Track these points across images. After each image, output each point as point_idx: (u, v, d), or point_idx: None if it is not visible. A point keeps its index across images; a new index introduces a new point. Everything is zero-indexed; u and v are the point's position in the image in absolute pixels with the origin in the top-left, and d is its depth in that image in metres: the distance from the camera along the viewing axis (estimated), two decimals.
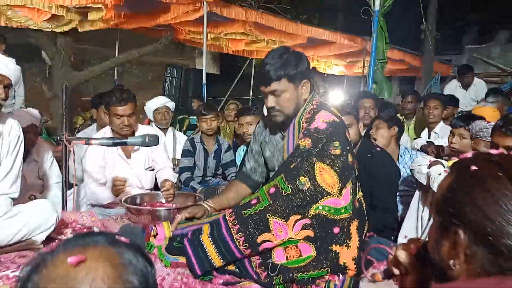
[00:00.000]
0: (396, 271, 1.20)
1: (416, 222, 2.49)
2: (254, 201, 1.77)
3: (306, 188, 1.72)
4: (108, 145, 2.01)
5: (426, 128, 3.98)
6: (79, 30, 6.44)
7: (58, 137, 2.14)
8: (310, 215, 1.71)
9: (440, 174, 2.27)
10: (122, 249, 0.71)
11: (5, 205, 1.93)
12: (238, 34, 7.88)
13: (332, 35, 8.20)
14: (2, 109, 1.88)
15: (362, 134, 2.57)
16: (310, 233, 1.70)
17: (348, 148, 1.83)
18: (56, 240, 2.07)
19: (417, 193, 2.55)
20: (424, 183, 2.41)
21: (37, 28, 6.07)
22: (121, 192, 2.50)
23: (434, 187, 2.26)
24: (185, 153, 3.49)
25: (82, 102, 9.60)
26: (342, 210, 1.75)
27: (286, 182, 1.75)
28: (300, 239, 1.69)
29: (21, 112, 2.65)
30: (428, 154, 3.12)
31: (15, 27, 6.13)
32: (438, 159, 2.48)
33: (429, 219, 2.39)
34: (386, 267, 1.85)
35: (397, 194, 2.72)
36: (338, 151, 1.78)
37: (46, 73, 8.92)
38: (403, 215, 2.62)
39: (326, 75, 12.05)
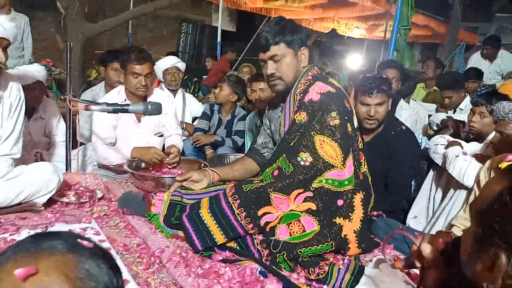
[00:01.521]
0: (418, 264, 1.10)
1: (427, 203, 2.40)
2: (256, 181, 1.75)
3: (308, 163, 1.68)
4: (108, 112, 1.93)
5: None
6: None
7: (62, 97, 2.06)
8: (312, 188, 1.69)
9: (457, 156, 2.16)
10: (83, 258, 0.61)
11: (6, 166, 1.90)
12: None
13: None
14: (11, 62, 1.80)
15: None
16: (312, 205, 1.67)
17: (346, 117, 1.77)
18: (58, 203, 2.05)
19: (430, 173, 2.45)
20: (440, 164, 2.31)
21: None
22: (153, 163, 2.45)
23: (450, 169, 2.16)
24: (203, 115, 3.58)
25: (96, 54, 9.49)
26: (346, 182, 1.72)
27: (287, 161, 1.73)
28: (302, 212, 1.66)
29: (27, 68, 2.56)
30: (447, 129, 2.99)
31: None
32: (456, 140, 2.36)
33: (441, 201, 2.31)
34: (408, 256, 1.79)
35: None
36: (336, 121, 1.72)
37: (60, 23, 8.78)
38: (414, 195, 2.53)
39: (345, 37, 11.67)
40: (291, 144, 1.77)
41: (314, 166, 1.68)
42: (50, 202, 2.00)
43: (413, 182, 2.73)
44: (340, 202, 1.70)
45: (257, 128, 3.00)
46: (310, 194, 1.67)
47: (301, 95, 1.82)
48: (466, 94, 3.71)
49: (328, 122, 1.71)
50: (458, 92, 3.57)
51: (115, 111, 1.94)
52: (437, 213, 2.26)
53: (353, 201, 1.73)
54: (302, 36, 1.86)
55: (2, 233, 1.67)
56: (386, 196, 2.29)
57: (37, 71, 2.58)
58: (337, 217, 1.68)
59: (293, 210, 1.65)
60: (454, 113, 3.54)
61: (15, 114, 1.96)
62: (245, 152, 2.70)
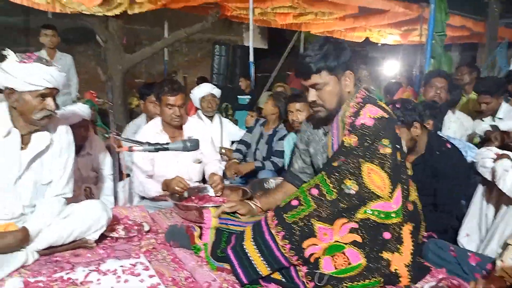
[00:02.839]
0: None
1: (479, 220, 2.29)
2: (295, 202, 1.68)
3: (354, 192, 1.62)
4: (150, 151, 2.01)
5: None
6: (128, 13, 6.52)
7: (107, 135, 2.15)
8: (357, 219, 1.62)
9: (507, 170, 2.06)
10: None
11: (59, 206, 2.00)
12: (286, 7, 7.63)
13: (386, 3, 7.71)
14: (60, 100, 1.92)
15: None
16: (357, 237, 1.61)
17: (398, 146, 1.70)
18: (108, 238, 2.13)
19: (480, 188, 2.34)
20: (489, 179, 2.21)
21: (89, 13, 6.21)
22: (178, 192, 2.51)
23: (500, 184, 2.06)
24: (249, 129, 3.78)
25: (136, 83, 9.88)
26: (393, 215, 1.63)
27: (331, 186, 1.65)
28: (346, 243, 1.61)
29: (72, 107, 2.71)
30: (492, 141, 2.86)
31: (69, 13, 6.30)
32: (505, 152, 2.25)
33: (494, 218, 2.20)
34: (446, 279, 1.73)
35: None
36: (388, 150, 1.64)
37: (101, 55, 9.21)
38: (465, 211, 2.42)
39: (380, 45, 11.50)
40: (334, 164, 1.70)
41: (359, 195, 1.62)
42: (101, 238, 2.08)
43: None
44: (387, 235, 1.62)
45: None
46: (355, 225, 1.61)
47: (352, 118, 1.75)
48: (502, 101, 3.54)
49: (379, 150, 1.64)
50: (497, 98, 3.43)
51: (156, 150, 2.01)
52: (490, 231, 2.15)
53: (401, 233, 1.66)
54: (346, 60, 1.77)
55: (59, 272, 1.76)
56: (435, 216, 2.22)
57: (81, 110, 2.72)
58: (384, 252, 1.61)
59: (337, 241, 1.61)
60: (493, 121, 3.40)
61: (65, 155, 2.06)
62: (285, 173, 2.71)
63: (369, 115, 1.71)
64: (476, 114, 3.71)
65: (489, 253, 2.07)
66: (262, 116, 3.81)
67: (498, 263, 1.73)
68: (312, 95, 1.80)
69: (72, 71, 5.40)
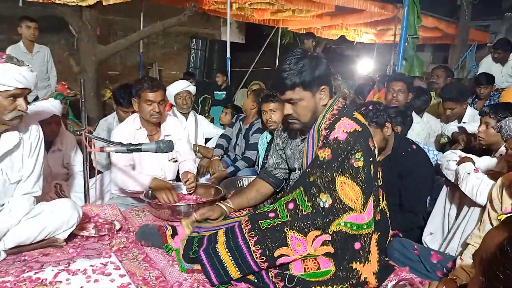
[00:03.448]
0: None
1: (442, 219, 2.39)
2: (271, 214, 1.73)
3: (328, 206, 1.65)
4: (123, 152, 2.00)
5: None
6: (103, 3, 6.38)
7: (78, 132, 2.13)
8: (330, 231, 1.65)
9: (469, 173, 2.16)
10: None
11: (28, 205, 1.97)
12: (263, 3, 7.64)
13: (362, 3, 7.84)
14: (41, 93, 1.87)
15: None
16: (330, 249, 1.64)
17: (371, 159, 1.73)
18: (79, 237, 2.11)
19: (444, 189, 2.44)
20: (452, 180, 2.30)
21: (62, 2, 6.05)
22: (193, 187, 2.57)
23: (462, 186, 2.15)
24: (231, 124, 3.86)
25: (109, 75, 9.70)
26: (365, 226, 1.68)
27: (306, 199, 1.69)
28: (319, 255, 1.65)
29: (43, 103, 2.65)
30: (458, 143, 2.98)
31: (41, 1, 6.12)
32: (468, 155, 2.35)
33: (456, 218, 2.30)
34: (407, 275, 1.80)
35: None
36: (360, 163, 1.67)
37: (74, 45, 8.99)
38: (430, 210, 2.52)
39: (355, 43, 11.66)
40: (310, 179, 1.72)
41: (333, 208, 1.65)
42: (71, 237, 2.06)
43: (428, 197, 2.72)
44: (357, 246, 1.66)
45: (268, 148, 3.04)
46: (328, 237, 1.64)
47: (327, 131, 1.77)
48: (467, 105, 3.67)
49: (352, 164, 1.67)
50: (461, 104, 3.56)
51: (129, 151, 2.00)
52: (453, 230, 2.25)
53: (369, 243, 1.70)
54: (321, 74, 1.77)
55: (27, 271, 1.74)
56: (401, 216, 2.30)
57: (52, 105, 2.67)
58: (355, 262, 1.65)
59: (310, 254, 1.64)
60: (459, 122, 3.53)
61: (35, 154, 2.03)
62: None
63: (342, 129, 1.73)
64: (439, 114, 3.83)
65: (451, 251, 2.17)
66: (238, 113, 3.85)
67: (458, 261, 1.82)
68: (287, 108, 1.82)
69: (50, 63, 5.30)
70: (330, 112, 1.82)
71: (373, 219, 1.70)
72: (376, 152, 1.84)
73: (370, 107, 2.42)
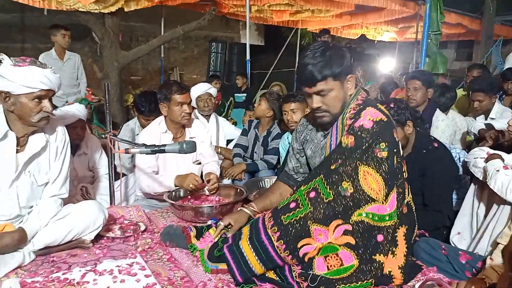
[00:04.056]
0: None
1: (470, 218, 2.32)
2: (293, 205, 1.71)
3: (349, 194, 1.63)
4: (147, 153, 2.03)
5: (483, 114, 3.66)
6: (125, 10, 6.51)
7: (103, 135, 2.17)
8: (352, 221, 1.63)
9: (498, 170, 2.09)
10: None
11: (55, 207, 2.02)
12: (282, 5, 7.64)
13: (382, 1, 7.73)
14: (72, 99, 1.92)
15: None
16: (351, 239, 1.62)
17: (395, 150, 1.70)
18: (105, 238, 2.15)
19: (472, 188, 2.37)
20: (480, 178, 2.24)
21: (85, 10, 6.20)
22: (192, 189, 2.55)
23: (491, 184, 2.09)
24: (243, 132, 3.71)
25: (132, 80, 9.88)
26: (387, 217, 1.65)
27: (328, 188, 1.67)
28: (340, 245, 1.63)
29: (68, 108, 2.72)
30: (486, 140, 2.89)
31: (65, 10, 6.29)
32: (497, 152, 2.27)
33: (485, 217, 2.23)
34: (435, 276, 1.76)
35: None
36: (384, 154, 1.65)
37: (97, 52, 9.19)
38: (457, 210, 2.46)
39: (376, 42, 11.53)
40: (332, 167, 1.71)
41: (354, 198, 1.63)
42: (97, 238, 2.10)
43: (455, 196, 2.65)
44: (380, 238, 1.64)
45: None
46: (349, 227, 1.62)
47: (352, 120, 1.74)
48: (495, 100, 3.56)
49: (375, 154, 1.64)
50: (490, 97, 3.46)
51: (153, 152, 2.03)
52: (481, 229, 2.18)
53: (396, 236, 1.69)
54: (348, 63, 1.76)
55: (56, 272, 1.78)
56: (426, 215, 2.25)
57: (77, 110, 2.73)
58: (377, 254, 1.63)
59: (331, 242, 1.63)
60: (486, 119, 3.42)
61: (61, 156, 2.08)
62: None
63: (369, 118, 1.71)
64: (467, 111, 3.72)
65: (480, 251, 2.10)
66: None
67: (488, 261, 1.76)
68: (316, 101, 1.78)
69: (80, 70, 5.47)
70: (354, 102, 1.81)
71: (396, 211, 1.67)
72: (400, 145, 1.81)
73: (392, 105, 2.38)
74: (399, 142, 1.79)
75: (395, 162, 1.70)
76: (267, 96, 3.48)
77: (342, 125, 1.80)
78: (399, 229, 1.71)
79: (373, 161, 1.65)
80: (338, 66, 1.72)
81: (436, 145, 2.39)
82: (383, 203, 1.64)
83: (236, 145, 3.64)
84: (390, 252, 1.67)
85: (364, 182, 1.64)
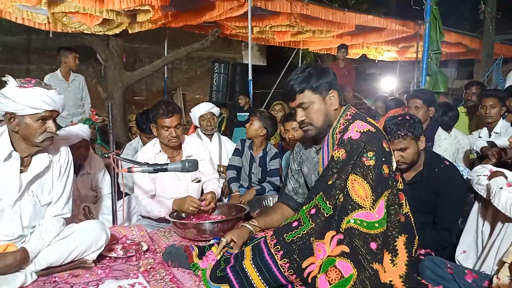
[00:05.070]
0: None
1: (475, 237, 2.30)
2: (295, 224, 1.75)
3: (339, 203, 1.69)
4: (149, 172, 2.03)
5: (485, 127, 3.67)
6: (129, 32, 6.62)
7: (106, 155, 2.18)
8: (342, 229, 1.66)
9: (501, 187, 2.08)
10: None
11: (58, 226, 2.01)
12: (284, 26, 7.75)
13: (383, 21, 7.86)
14: (76, 119, 1.94)
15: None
16: (345, 248, 1.63)
17: (383, 159, 1.74)
18: (107, 258, 2.14)
19: (476, 206, 2.35)
20: (484, 196, 2.22)
21: (90, 32, 6.31)
22: (192, 212, 2.51)
23: (495, 202, 2.08)
24: (235, 152, 3.57)
25: (136, 101, 9.98)
26: (376, 224, 1.66)
27: (327, 202, 1.72)
28: (336, 256, 1.63)
29: (72, 128, 2.75)
30: (489, 158, 2.89)
31: (70, 32, 6.40)
32: (500, 170, 2.27)
33: (490, 235, 2.21)
34: None
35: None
36: (371, 162, 1.70)
37: (101, 73, 9.32)
38: (461, 228, 2.43)
39: (376, 61, 11.64)
40: (329, 182, 1.75)
41: (343, 206, 1.67)
42: (99, 258, 2.09)
43: None
44: (373, 245, 1.63)
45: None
46: (341, 236, 1.65)
47: (341, 133, 1.82)
48: (502, 115, 3.58)
49: (363, 162, 1.70)
50: (500, 106, 3.47)
51: (155, 171, 2.04)
52: (487, 248, 2.15)
53: (396, 245, 1.70)
54: (329, 80, 1.87)
55: None
56: (434, 234, 2.23)
57: (81, 130, 2.76)
58: (374, 262, 1.62)
59: (330, 256, 1.63)
60: (489, 137, 3.42)
61: (64, 176, 2.09)
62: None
63: (356, 129, 1.79)
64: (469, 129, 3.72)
65: (486, 270, 2.07)
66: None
67: (495, 280, 1.74)
68: (300, 115, 1.89)
69: (85, 91, 5.58)
70: (343, 117, 1.89)
71: (384, 218, 1.68)
72: (393, 155, 1.84)
73: (407, 117, 2.38)
74: (390, 152, 1.81)
75: (387, 171, 1.73)
76: (258, 115, 3.38)
77: (332, 139, 1.87)
78: (398, 238, 1.72)
79: (360, 169, 1.70)
80: (316, 80, 1.84)
81: (447, 163, 2.38)
82: (370, 209, 1.67)
83: (229, 167, 3.50)
84: (390, 261, 1.67)
85: (352, 189, 1.69)
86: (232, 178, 3.44)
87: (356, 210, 1.66)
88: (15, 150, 1.92)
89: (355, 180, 1.69)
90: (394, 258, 1.68)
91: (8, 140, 1.91)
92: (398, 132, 2.26)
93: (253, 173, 3.42)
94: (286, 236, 1.70)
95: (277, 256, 1.66)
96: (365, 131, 1.77)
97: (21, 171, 1.93)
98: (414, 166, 2.41)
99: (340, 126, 1.86)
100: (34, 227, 2.00)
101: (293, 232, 1.71)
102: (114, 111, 6.27)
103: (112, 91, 6.84)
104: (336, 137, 1.84)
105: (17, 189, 1.91)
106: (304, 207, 1.79)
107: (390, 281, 1.65)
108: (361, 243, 1.63)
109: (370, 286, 1.60)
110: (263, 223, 2.06)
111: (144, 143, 3.35)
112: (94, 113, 6.59)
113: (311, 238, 1.66)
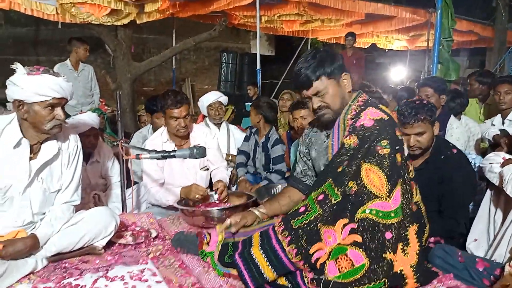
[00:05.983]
0: None
1: (487, 224, 2.27)
2: (302, 209, 1.73)
3: (353, 192, 1.65)
4: (157, 159, 2.03)
5: (499, 114, 3.60)
6: (137, 22, 6.61)
7: (115, 143, 2.18)
8: (356, 219, 1.62)
9: None
10: None
11: (67, 213, 2.03)
12: (292, 15, 7.68)
13: (393, 9, 7.74)
14: (86, 109, 1.94)
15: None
16: (358, 238, 1.61)
17: (397, 147, 1.71)
18: (116, 244, 2.15)
19: (488, 193, 2.32)
20: (496, 184, 2.19)
21: (98, 23, 6.31)
22: (198, 199, 2.52)
23: (508, 189, 2.04)
24: (245, 138, 3.66)
25: (144, 91, 9.99)
26: (392, 214, 1.63)
27: (335, 189, 1.69)
28: (348, 245, 1.61)
29: (81, 116, 2.75)
30: (501, 146, 2.84)
31: (79, 23, 6.41)
32: None
33: (502, 223, 2.18)
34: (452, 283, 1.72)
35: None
36: (386, 151, 1.67)
37: (110, 63, 9.34)
38: (473, 216, 2.40)
39: (387, 50, 11.49)
40: (338, 169, 1.73)
41: (357, 195, 1.64)
42: (109, 244, 2.11)
43: (471, 203, 2.60)
44: (388, 235, 1.61)
45: None
46: (354, 225, 1.62)
47: (353, 120, 1.80)
48: None
49: (377, 151, 1.67)
50: None
51: (163, 158, 2.04)
52: (499, 236, 2.12)
53: (407, 234, 1.67)
54: (340, 63, 1.84)
55: (67, 278, 1.78)
56: (442, 222, 2.20)
57: (90, 118, 2.76)
58: (387, 252, 1.60)
59: (340, 244, 1.62)
60: (503, 125, 3.35)
61: (73, 164, 2.10)
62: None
63: (369, 117, 1.76)
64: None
65: (498, 258, 2.05)
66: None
67: (507, 268, 1.71)
68: (316, 102, 1.84)
69: (94, 81, 5.62)
70: (355, 103, 1.86)
71: (400, 207, 1.65)
72: (405, 143, 1.82)
73: (425, 102, 2.34)
74: (402, 140, 1.79)
75: (400, 159, 1.71)
76: (253, 104, 3.55)
77: (343, 125, 1.84)
78: (409, 227, 1.69)
79: (375, 158, 1.67)
80: (330, 65, 1.81)
81: (454, 151, 2.34)
82: (386, 199, 1.64)
83: (239, 152, 3.64)
84: (401, 250, 1.65)
85: (367, 179, 1.65)
86: (240, 164, 3.52)
87: (372, 200, 1.63)
88: (25, 137, 1.93)
89: (370, 169, 1.65)
90: (405, 248, 1.66)
91: (18, 128, 1.92)
92: (418, 115, 2.22)
93: (257, 158, 3.45)
94: (293, 222, 1.69)
95: (285, 242, 1.65)
96: (378, 118, 1.74)
97: (30, 158, 1.94)
98: (426, 154, 2.38)
99: (351, 112, 1.83)
100: (44, 213, 2.02)
101: (300, 217, 1.69)
102: (123, 101, 6.30)
103: (121, 82, 6.85)
104: (347, 123, 1.82)
105: (27, 176, 1.92)
106: (312, 194, 1.78)
107: (401, 270, 1.63)
108: (377, 233, 1.61)
109: (382, 275, 1.58)
110: (269, 209, 2.05)
111: (157, 126, 3.33)
112: (103, 103, 6.62)
113: (319, 224, 1.65)
